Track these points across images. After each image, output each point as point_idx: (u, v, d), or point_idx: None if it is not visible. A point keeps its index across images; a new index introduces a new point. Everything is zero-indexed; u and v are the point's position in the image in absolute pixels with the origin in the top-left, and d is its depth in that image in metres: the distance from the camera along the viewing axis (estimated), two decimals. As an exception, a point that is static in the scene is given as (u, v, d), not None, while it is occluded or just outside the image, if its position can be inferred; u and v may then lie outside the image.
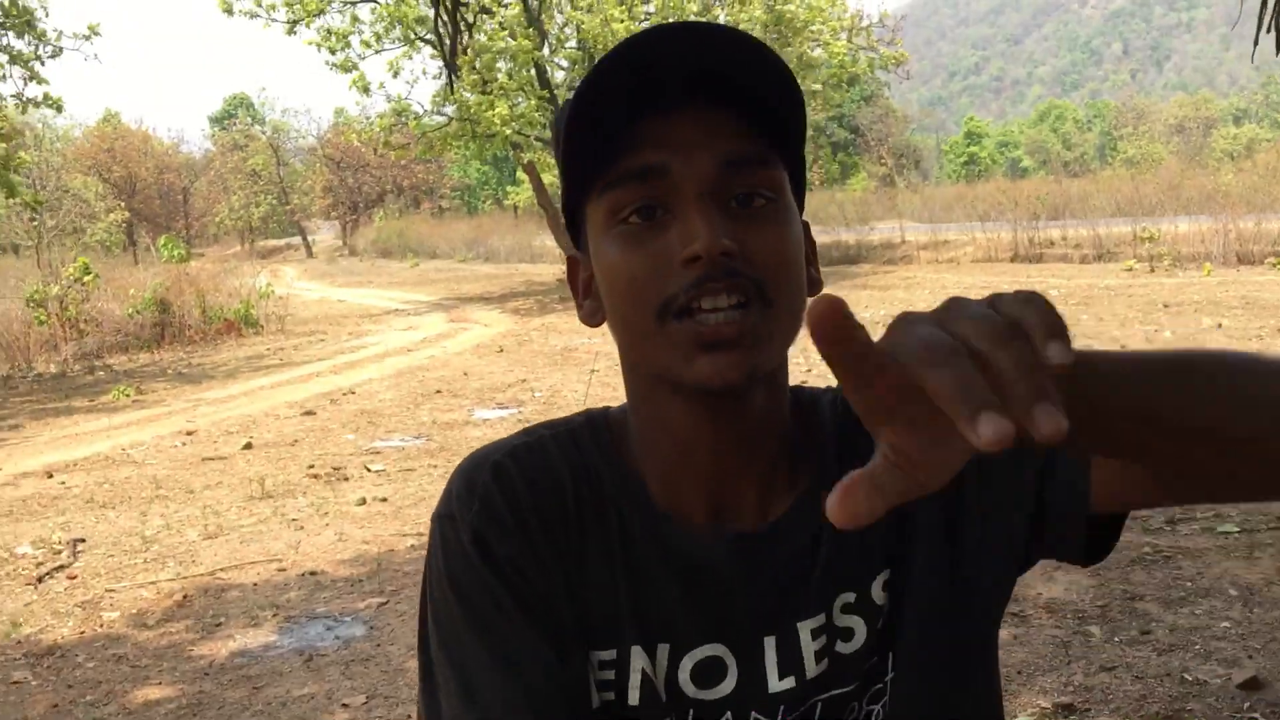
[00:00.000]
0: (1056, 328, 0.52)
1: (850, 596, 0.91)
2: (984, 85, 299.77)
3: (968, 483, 0.91)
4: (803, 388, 1.01)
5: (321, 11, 22.78)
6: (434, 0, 22.87)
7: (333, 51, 23.49)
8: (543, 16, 23.00)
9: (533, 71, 22.86)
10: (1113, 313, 13.46)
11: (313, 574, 5.49)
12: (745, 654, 0.90)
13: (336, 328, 19.14)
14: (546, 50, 23.37)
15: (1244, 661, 3.65)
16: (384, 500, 6.86)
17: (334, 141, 52.89)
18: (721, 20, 22.86)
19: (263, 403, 11.42)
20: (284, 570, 5.60)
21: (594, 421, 0.96)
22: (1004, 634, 4.05)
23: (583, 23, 21.60)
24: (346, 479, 7.61)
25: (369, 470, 7.81)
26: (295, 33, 22.76)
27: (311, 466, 8.01)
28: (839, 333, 0.51)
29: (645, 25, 22.43)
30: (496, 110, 20.82)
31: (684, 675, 0.89)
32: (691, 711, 0.89)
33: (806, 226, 0.92)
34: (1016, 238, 22.42)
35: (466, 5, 22.90)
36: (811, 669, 0.90)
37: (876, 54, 24.50)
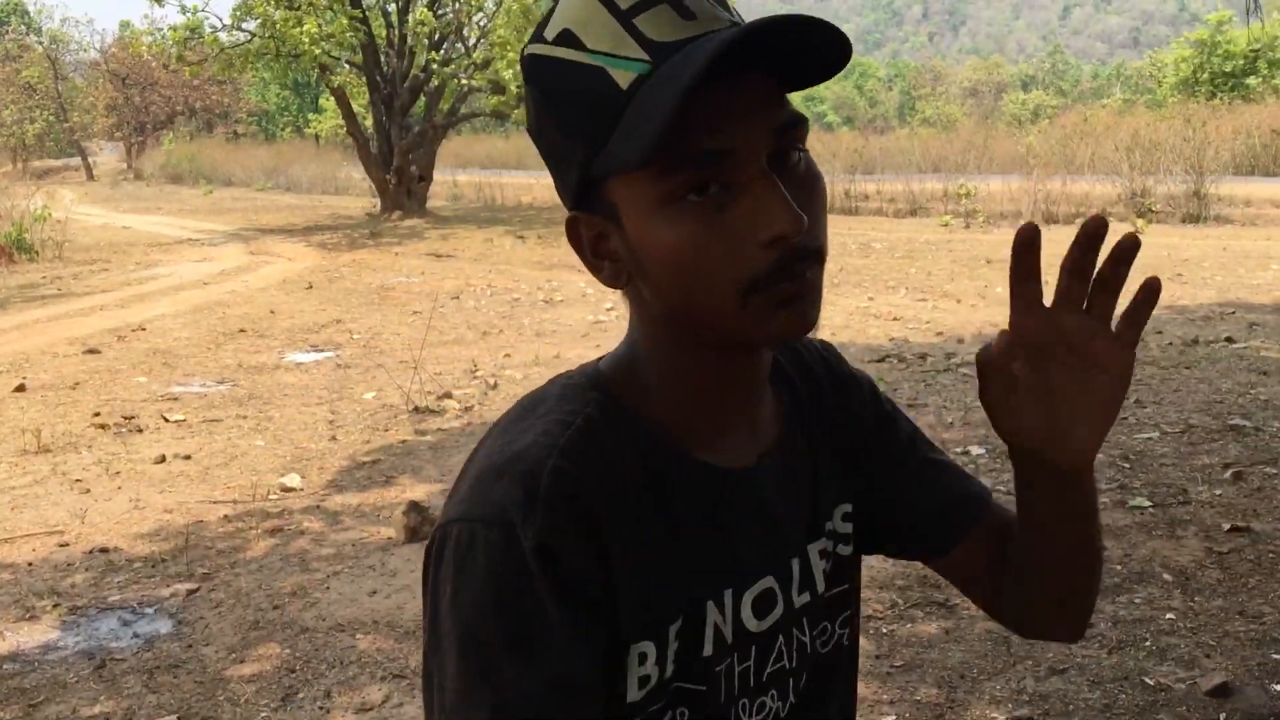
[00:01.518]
0: None
1: (847, 507, 1.05)
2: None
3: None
4: None
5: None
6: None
7: (120, -48, 21.41)
8: (356, -71, 21.48)
9: (344, -12, 21.39)
10: (939, 267, 13.45)
11: (103, 551, 4.58)
12: (784, 578, 0.96)
13: (122, 257, 17.44)
14: (359, -34, 21.84)
15: (1202, 662, 3.28)
16: (187, 458, 5.93)
17: (119, 56, 49.05)
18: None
19: (37, 338, 10.09)
20: (67, 545, 4.67)
21: (604, 390, 0.92)
22: (934, 628, 3.58)
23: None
24: (140, 430, 6.62)
25: (166, 420, 6.83)
26: (76, -72, 20.56)
27: (98, 414, 6.96)
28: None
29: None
30: (305, 28, 19.34)
31: (746, 612, 0.93)
32: (753, 648, 0.93)
33: None
34: (833, 189, 22.49)
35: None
36: (822, 583, 1.00)
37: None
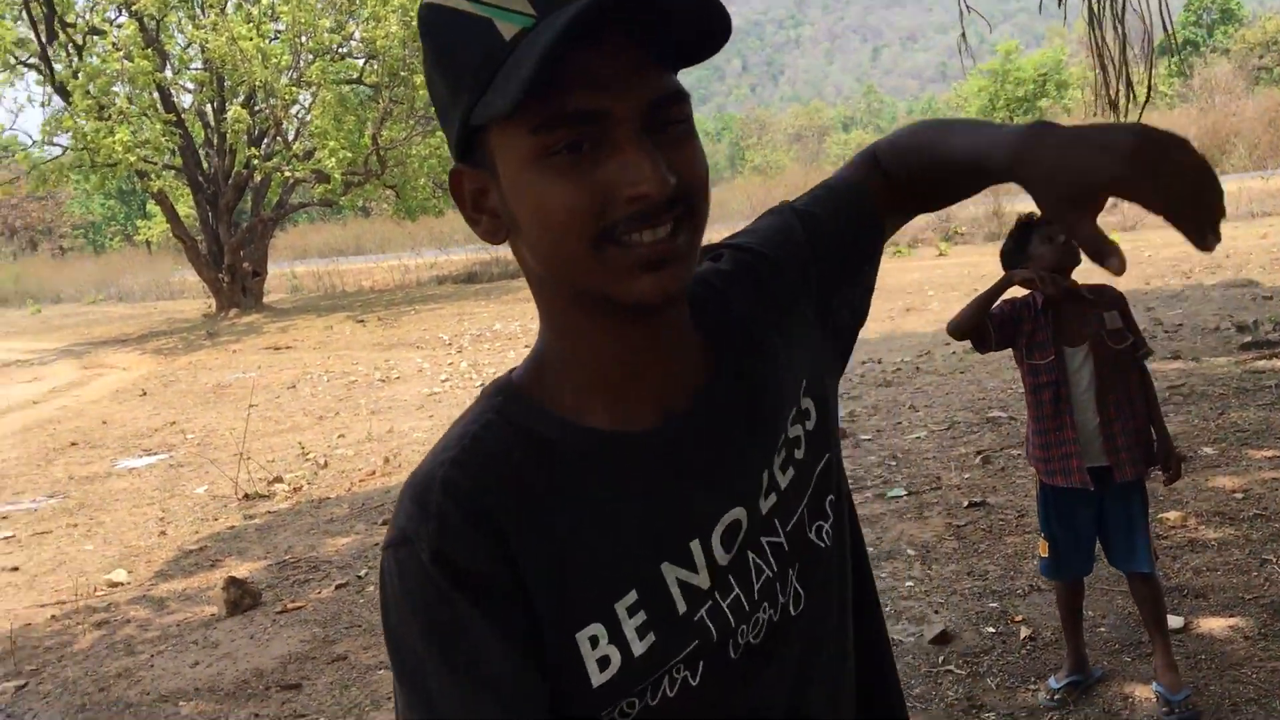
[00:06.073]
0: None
1: (790, 411, 1.01)
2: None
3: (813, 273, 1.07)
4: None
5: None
6: (34, 21, 20.92)
7: (-84, 78, 20.98)
8: (161, 37, 21.52)
9: (156, 95, 21.37)
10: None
11: (-70, 664, 4.71)
12: (752, 498, 0.95)
13: (-55, 386, 16.99)
14: (169, 72, 21.86)
15: (930, 617, 3.78)
16: (15, 570, 6.03)
17: (-73, 182, 47.38)
18: (356, 35, 22.28)
19: None
20: (-108, 665, 4.77)
21: (508, 393, 0.95)
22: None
23: (207, 42, 20.34)
24: (-33, 551, 6.66)
25: (-6, 539, 6.89)
26: None
27: (-78, 542, 6.96)
28: None
29: (275, 44, 21.50)
30: (117, 137, 19.25)
31: (719, 550, 0.93)
32: (730, 577, 0.93)
33: None
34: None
35: (73, 26, 21.09)
36: (784, 481, 0.98)
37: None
